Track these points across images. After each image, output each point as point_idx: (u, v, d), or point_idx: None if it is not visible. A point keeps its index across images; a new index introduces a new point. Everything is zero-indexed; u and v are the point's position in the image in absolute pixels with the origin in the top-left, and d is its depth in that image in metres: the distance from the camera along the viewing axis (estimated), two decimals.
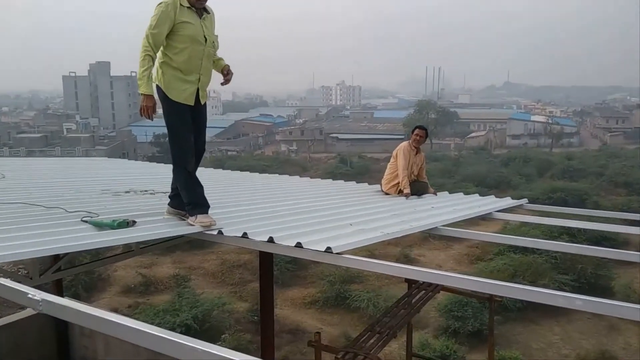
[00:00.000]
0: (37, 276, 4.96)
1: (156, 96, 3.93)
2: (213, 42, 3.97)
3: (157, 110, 4.00)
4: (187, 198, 3.99)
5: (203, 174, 9.06)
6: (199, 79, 3.97)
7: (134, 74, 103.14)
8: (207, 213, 3.96)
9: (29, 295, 2.29)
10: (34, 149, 55.38)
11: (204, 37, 3.89)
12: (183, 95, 3.93)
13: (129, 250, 5.89)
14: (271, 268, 6.36)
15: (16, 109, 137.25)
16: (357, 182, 8.33)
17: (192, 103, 3.97)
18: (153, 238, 3.68)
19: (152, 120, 4.10)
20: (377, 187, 7.29)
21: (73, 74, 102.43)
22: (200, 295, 19.52)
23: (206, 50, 3.92)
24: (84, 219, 3.75)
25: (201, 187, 4.06)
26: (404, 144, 7.04)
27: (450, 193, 7.56)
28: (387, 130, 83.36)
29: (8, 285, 2.45)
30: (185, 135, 3.97)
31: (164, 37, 3.83)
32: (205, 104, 4.10)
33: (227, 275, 22.97)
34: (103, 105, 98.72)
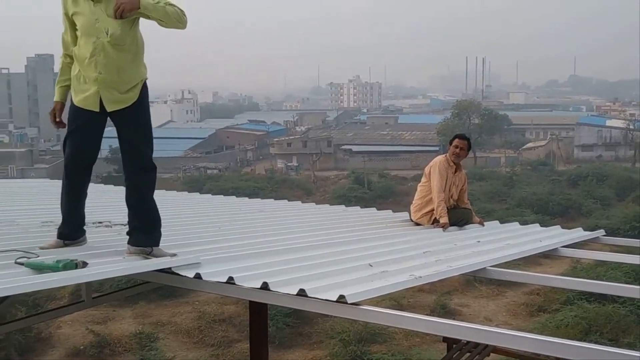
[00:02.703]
0: None
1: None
2: (113, 33, 4.06)
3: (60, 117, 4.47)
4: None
5: (174, 199, 9.15)
6: (97, 78, 4.13)
7: None
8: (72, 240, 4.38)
9: None
10: None
11: (98, 27, 4.06)
12: (81, 97, 4.22)
13: (77, 301, 5.90)
14: (265, 323, 6.34)
15: None
16: (378, 209, 8.34)
17: (94, 108, 4.22)
18: (105, 277, 3.70)
19: (56, 128, 4.56)
20: (405, 215, 7.30)
21: (6, 71, 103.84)
22: (172, 359, 19.45)
23: (100, 43, 4.06)
24: (18, 260, 3.75)
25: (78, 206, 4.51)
26: (440, 158, 7.05)
27: (501, 223, 7.54)
28: (416, 141, 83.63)
29: None
30: (74, 144, 4.36)
31: (69, 35, 4.25)
32: (129, 110, 4.29)
33: (206, 333, 22.89)
34: (44, 111, 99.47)
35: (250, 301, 6.05)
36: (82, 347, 21.84)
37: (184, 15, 4.15)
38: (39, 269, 3.59)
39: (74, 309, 5.84)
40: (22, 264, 3.69)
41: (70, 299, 23.56)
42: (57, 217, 5.78)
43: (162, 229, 4.41)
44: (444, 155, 7.13)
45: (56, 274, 3.49)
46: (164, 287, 23.02)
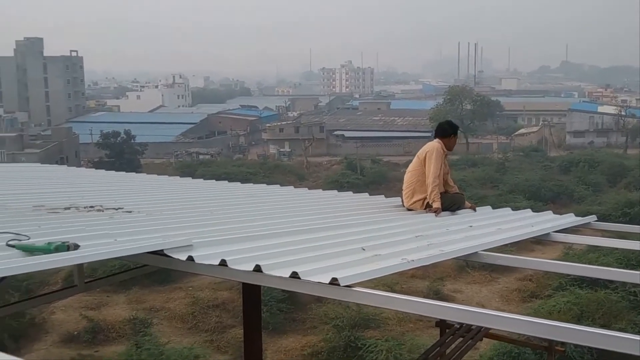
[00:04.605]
0: None
1: None
2: None
3: None
4: None
5: (164, 183, 9.14)
6: None
7: (74, 54, 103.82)
8: None
9: None
10: None
11: None
12: None
13: (70, 285, 5.90)
14: (258, 307, 6.36)
15: None
16: (371, 195, 8.34)
17: None
18: (96, 259, 3.70)
19: None
20: (397, 200, 7.30)
21: None
22: (165, 345, 19.47)
23: None
24: (10, 242, 3.75)
25: None
26: (437, 145, 6.99)
27: (493, 208, 7.56)
28: (408, 126, 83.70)
29: None
30: None
31: None
32: None
33: (200, 318, 22.94)
34: (34, 95, 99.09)
35: (243, 285, 6.07)
36: (75, 333, 21.86)
37: None
38: (30, 251, 3.59)
39: (67, 294, 5.84)
40: (13, 246, 3.68)
41: (63, 284, 23.55)
42: (49, 201, 5.78)
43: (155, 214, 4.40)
44: (437, 142, 7.09)
45: (48, 256, 3.48)
46: (157, 273, 23.01)
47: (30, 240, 3.80)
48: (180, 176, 11.89)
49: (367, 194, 8.40)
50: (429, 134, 67.72)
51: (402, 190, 7.15)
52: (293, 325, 22.29)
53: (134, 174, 11.40)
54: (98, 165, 48.98)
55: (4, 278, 5.03)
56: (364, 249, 4.25)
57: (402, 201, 7.10)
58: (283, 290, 22.23)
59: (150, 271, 5.91)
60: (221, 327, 22.09)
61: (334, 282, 3.32)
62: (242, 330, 6.45)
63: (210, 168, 52.51)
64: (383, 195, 8.10)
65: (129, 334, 21.40)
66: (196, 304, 23.63)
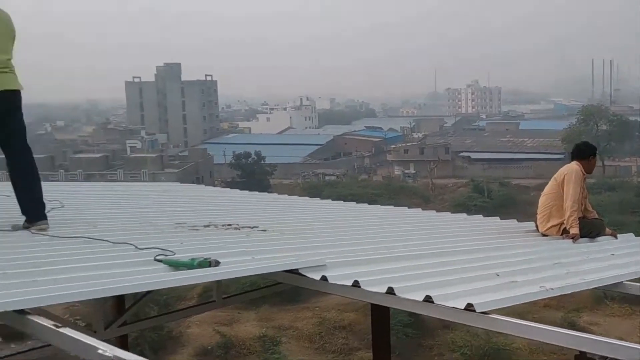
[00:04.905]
0: (102, 329, 5.33)
1: None
2: None
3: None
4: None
5: (294, 203, 9.35)
6: None
7: (209, 78, 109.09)
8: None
9: (99, 351, 2.47)
10: (93, 171, 59.99)
11: None
12: None
13: (208, 301, 6.15)
14: (387, 330, 6.33)
15: (73, 123, 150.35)
16: (501, 218, 8.10)
17: None
18: (237, 276, 3.88)
19: None
20: (531, 225, 7.05)
21: (137, 80, 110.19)
22: None
23: None
24: (157, 257, 3.98)
25: None
26: (576, 167, 6.68)
27: (636, 235, 7.10)
28: (539, 148, 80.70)
29: (75, 337, 2.65)
30: None
31: None
32: None
33: (327, 339, 23.15)
34: (173, 118, 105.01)
35: (372, 307, 6.07)
36: (209, 347, 22.72)
37: None
38: (176, 266, 3.79)
39: (205, 309, 6.13)
40: (160, 261, 3.91)
41: (198, 300, 24.60)
42: (189, 219, 6.09)
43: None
44: (575, 164, 6.78)
45: (192, 271, 3.67)
46: (286, 292, 23.50)
47: (175, 256, 4.02)
48: (307, 197, 12.12)
49: (497, 217, 8.16)
50: (561, 156, 65.00)
51: (535, 214, 6.89)
52: (420, 351, 21.95)
53: (265, 193, 11.78)
54: (230, 184, 50.97)
55: (150, 291, 5.36)
56: (498, 275, 4.13)
57: (536, 226, 6.83)
58: (409, 315, 21.93)
59: (281, 290, 6.06)
60: (347, 349, 22.16)
61: (469, 307, 3.25)
62: (369, 353, 6.44)
63: (336, 189, 53.14)
64: (515, 220, 7.84)
65: (259, 351, 21.95)
66: (323, 324, 23.87)
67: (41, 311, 3.09)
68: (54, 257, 4.10)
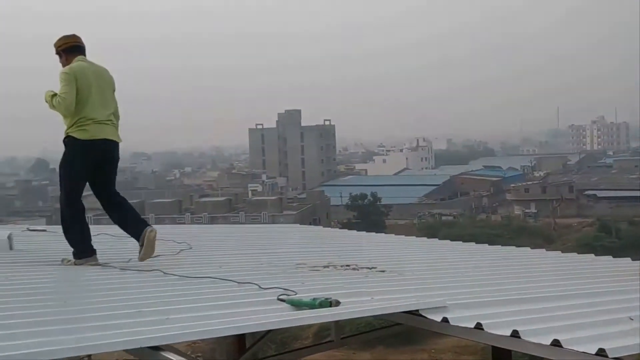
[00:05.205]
0: None
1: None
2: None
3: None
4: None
5: (411, 244, 9.27)
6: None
7: (327, 122, 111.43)
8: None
9: None
10: (217, 214, 62.38)
11: None
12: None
13: (325, 341, 6.18)
14: None
15: (199, 169, 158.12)
16: (633, 259, 7.62)
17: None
18: (357, 316, 3.88)
19: None
20: None
21: (260, 126, 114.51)
22: None
23: None
24: (280, 297, 4.07)
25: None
26: None
27: None
28: None
29: None
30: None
31: None
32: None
33: None
34: (292, 162, 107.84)
35: (493, 352, 5.86)
36: None
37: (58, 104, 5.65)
38: (298, 305, 3.86)
39: (323, 348, 6.18)
40: (283, 300, 4.00)
41: (313, 339, 24.75)
42: (309, 259, 6.19)
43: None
44: None
45: (313, 311, 3.72)
46: (401, 333, 23.19)
47: (297, 296, 4.09)
48: (427, 237, 11.96)
49: (629, 258, 7.69)
50: None
51: None
52: None
53: (382, 234, 11.75)
54: (347, 225, 51.28)
55: (271, 330, 5.47)
56: (632, 319, 3.88)
57: None
58: (531, 359, 20.93)
59: (397, 331, 5.98)
60: None
61: (600, 352, 3.07)
62: None
63: (452, 229, 52.10)
64: None
65: None
66: None
67: (171, 348, 3.24)
68: (184, 296, 4.29)
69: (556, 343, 3.23)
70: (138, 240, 5.75)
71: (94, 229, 6.26)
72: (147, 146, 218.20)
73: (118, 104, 6.10)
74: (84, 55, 5.91)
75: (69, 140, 5.74)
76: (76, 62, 5.77)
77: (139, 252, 5.70)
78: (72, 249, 5.82)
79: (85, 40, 6.00)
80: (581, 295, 4.70)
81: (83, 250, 5.76)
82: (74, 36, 5.95)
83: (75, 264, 5.67)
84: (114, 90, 6.03)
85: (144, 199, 73.25)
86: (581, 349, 3.15)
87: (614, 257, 7.99)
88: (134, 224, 5.90)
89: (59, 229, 6.36)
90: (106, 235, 7.39)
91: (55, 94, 5.66)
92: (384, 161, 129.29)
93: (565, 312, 4.04)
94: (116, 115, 6.02)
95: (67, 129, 5.73)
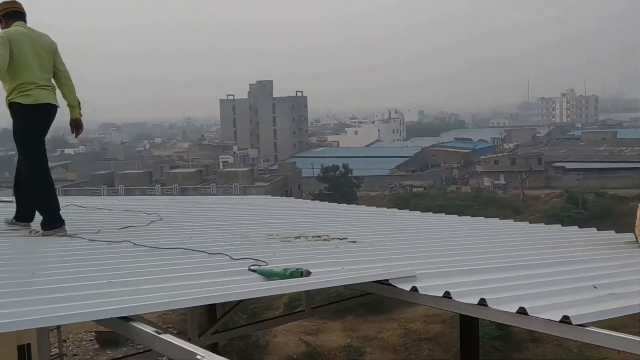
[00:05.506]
0: (196, 337, 5.51)
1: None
2: None
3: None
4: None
5: (382, 215, 9.33)
6: None
7: (299, 94, 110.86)
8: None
9: (198, 357, 2.57)
10: (187, 186, 61.95)
11: None
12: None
13: (296, 311, 6.25)
14: (476, 343, 6.22)
15: (170, 140, 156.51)
16: (598, 230, 7.79)
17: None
18: (328, 286, 3.94)
19: None
20: (630, 236, 6.74)
21: (231, 97, 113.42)
22: None
23: None
24: (251, 267, 4.09)
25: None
26: None
27: None
28: (637, 157, 76.78)
29: (175, 343, 2.76)
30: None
31: None
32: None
33: (412, 350, 22.95)
34: (264, 133, 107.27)
35: (461, 319, 5.98)
36: (295, 356, 22.97)
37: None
38: (269, 275, 3.88)
39: (294, 318, 6.21)
40: (254, 271, 4.02)
41: (284, 310, 24.96)
42: (280, 231, 6.20)
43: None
44: None
45: (284, 281, 3.74)
46: (370, 303, 23.47)
47: (268, 266, 4.11)
48: (397, 208, 12.05)
49: (594, 228, 7.85)
50: None
51: (634, 225, 6.60)
52: None
53: (353, 205, 11.81)
54: (318, 197, 51.43)
55: (241, 300, 5.49)
56: (596, 287, 3.97)
57: (636, 237, 6.54)
58: (498, 327, 21.42)
59: (367, 301, 6.08)
60: None
61: (565, 320, 3.15)
62: None
63: (423, 200, 52.60)
64: (613, 231, 7.52)
65: None
66: (408, 335, 23.67)
67: (142, 318, 3.24)
68: (155, 266, 4.29)
69: (522, 311, 3.30)
70: (26, 215, 5.98)
71: (62, 200, 6.19)
72: (116, 117, 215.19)
73: (66, 66, 6.08)
74: (24, 21, 5.89)
75: (14, 107, 5.74)
76: (13, 27, 5.74)
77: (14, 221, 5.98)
78: (41, 220, 5.79)
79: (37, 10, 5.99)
80: (547, 265, 4.80)
81: (52, 221, 5.70)
82: (14, 2, 5.90)
83: (44, 235, 5.62)
84: (54, 55, 5.99)
85: (114, 170, 72.46)
86: (546, 317, 3.22)
87: (580, 227, 8.15)
88: (28, 205, 5.98)
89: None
90: (75, 207, 7.30)
91: None
92: (356, 133, 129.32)
93: (532, 280, 4.12)
94: (65, 76, 6.03)
95: (9, 96, 5.75)
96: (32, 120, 5.74)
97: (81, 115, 6.09)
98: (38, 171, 5.79)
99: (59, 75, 5.96)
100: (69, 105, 6.05)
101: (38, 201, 5.82)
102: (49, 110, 5.83)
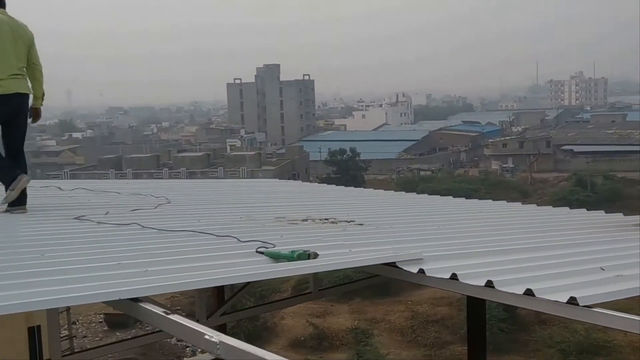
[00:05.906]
0: (204, 318, 5.55)
1: None
2: None
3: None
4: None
5: (390, 198, 9.34)
6: None
7: (306, 77, 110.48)
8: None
9: (206, 337, 2.58)
10: (195, 169, 62.10)
11: None
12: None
13: (304, 292, 6.27)
14: (483, 324, 6.23)
15: (177, 124, 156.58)
16: (606, 212, 7.77)
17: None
18: (335, 268, 3.95)
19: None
20: (638, 218, 6.72)
21: (238, 81, 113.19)
22: (386, 356, 19.83)
23: None
24: (258, 249, 4.11)
25: None
26: None
27: None
28: None
29: (184, 323, 2.78)
30: None
31: None
32: None
33: (419, 332, 23.04)
34: (271, 117, 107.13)
35: (468, 301, 5.99)
36: (302, 338, 23.13)
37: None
38: (276, 258, 3.89)
39: (302, 300, 6.25)
40: (262, 253, 4.04)
41: (292, 292, 25.09)
42: (288, 213, 6.22)
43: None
44: None
45: (292, 263, 3.76)
46: (378, 285, 23.55)
47: (275, 249, 4.12)
48: (405, 191, 12.05)
49: (602, 211, 7.83)
50: None
51: None
52: (515, 347, 21.43)
53: (361, 189, 11.83)
54: (325, 180, 51.35)
55: (249, 282, 5.53)
56: (603, 269, 3.97)
57: None
58: (505, 309, 21.50)
59: (374, 283, 6.11)
60: (440, 343, 21.96)
61: (572, 301, 3.15)
62: (461, 347, 6.37)
63: (431, 184, 52.55)
64: (621, 214, 7.49)
65: (351, 343, 22.13)
66: (415, 317, 23.77)
67: (151, 300, 3.26)
68: (163, 249, 4.31)
69: (529, 292, 3.31)
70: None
71: (71, 183, 6.22)
72: (123, 101, 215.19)
73: (40, 59, 6.20)
74: (4, 9, 5.99)
75: None
76: None
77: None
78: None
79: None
80: (554, 247, 4.79)
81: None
82: None
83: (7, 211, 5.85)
84: (30, 47, 6.09)
85: (121, 154, 72.63)
86: (553, 298, 3.23)
87: (588, 210, 8.12)
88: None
89: None
90: (83, 190, 7.34)
91: None
92: (363, 116, 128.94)
93: (539, 262, 4.13)
94: (38, 71, 6.16)
95: None
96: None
97: (42, 105, 6.27)
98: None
99: (32, 68, 6.09)
100: (34, 96, 6.18)
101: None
102: (19, 99, 5.95)
